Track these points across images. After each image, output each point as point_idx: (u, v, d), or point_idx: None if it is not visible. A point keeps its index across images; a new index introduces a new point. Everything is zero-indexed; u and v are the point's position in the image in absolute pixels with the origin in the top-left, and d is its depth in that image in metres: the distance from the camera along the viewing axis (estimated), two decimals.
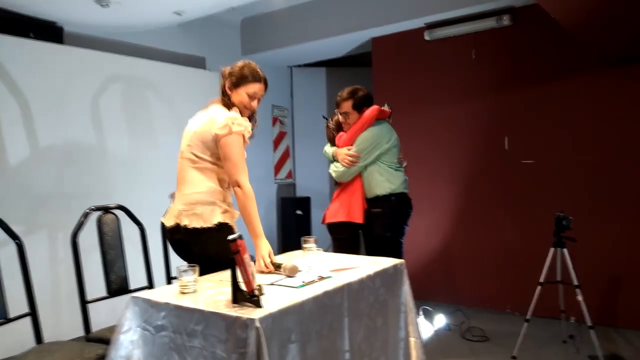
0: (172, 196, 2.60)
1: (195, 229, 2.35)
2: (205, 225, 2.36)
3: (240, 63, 2.58)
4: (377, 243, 3.30)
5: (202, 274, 2.10)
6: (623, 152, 4.03)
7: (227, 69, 2.58)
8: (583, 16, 3.07)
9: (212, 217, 2.38)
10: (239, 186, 2.38)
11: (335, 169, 3.38)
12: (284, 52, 5.76)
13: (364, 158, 3.27)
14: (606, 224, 4.07)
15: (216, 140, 2.40)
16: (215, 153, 2.45)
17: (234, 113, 2.48)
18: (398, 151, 3.39)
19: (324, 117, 3.79)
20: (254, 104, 2.58)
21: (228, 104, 2.53)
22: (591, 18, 3.07)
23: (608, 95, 4.08)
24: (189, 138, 2.53)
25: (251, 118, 2.61)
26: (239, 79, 2.54)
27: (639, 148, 3.96)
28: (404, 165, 3.47)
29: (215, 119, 2.43)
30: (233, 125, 2.39)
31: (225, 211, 2.43)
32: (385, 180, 3.28)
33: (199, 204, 2.39)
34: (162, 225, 2.62)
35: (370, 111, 3.30)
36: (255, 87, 2.54)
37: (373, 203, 3.31)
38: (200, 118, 2.56)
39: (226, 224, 2.41)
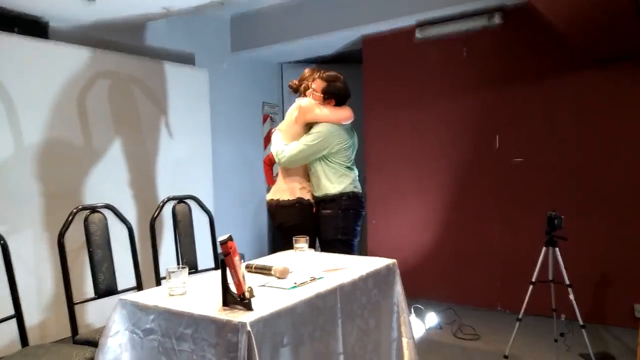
0: None
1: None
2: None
3: None
4: (329, 246, 3.15)
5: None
6: (614, 150, 4.04)
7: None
8: (574, 15, 3.06)
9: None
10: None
11: (284, 150, 3.16)
12: (274, 49, 5.71)
13: (313, 146, 3.13)
14: (597, 223, 4.08)
15: None
16: None
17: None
18: (352, 152, 3.30)
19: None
20: None
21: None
22: (582, 17, 3.07)
23: (599, 94, 4.09)
24: None
25: None
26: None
27: (629, 146, 3.98)
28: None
29: None
30: None
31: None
32: (334, 180, 3.16)
33: None
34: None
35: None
36: None
37: (323, 204, 3.20)
38: None
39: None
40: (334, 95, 3.21)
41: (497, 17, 4.38)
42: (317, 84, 3.22)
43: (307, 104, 3.22)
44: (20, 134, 3.74)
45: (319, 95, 3.21)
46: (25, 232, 3.75)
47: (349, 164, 3.24)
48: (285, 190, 3.26)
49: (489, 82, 4.57)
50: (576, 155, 4.18)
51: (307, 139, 3.13)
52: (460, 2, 4.37)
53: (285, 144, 3.21)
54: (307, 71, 3.43)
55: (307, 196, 3.24)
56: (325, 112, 3.19)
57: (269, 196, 3.34)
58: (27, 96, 3.78)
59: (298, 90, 3.46)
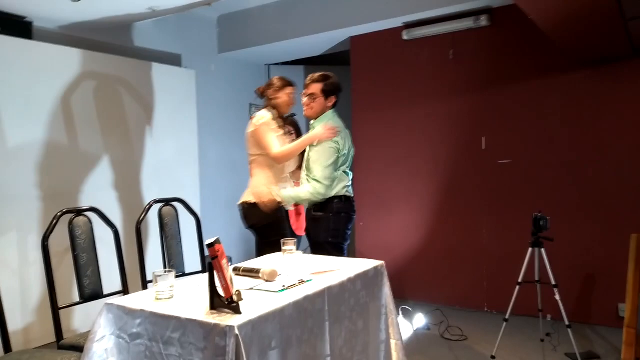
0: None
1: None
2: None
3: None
4: (319, 249, 3.11)
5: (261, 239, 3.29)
6: (599, 152, 4.09)
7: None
8: (559, 18, 3.09)
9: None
10: (274, 158, 3.23)
11: (315, 188, 3.05)
12: (261, 50, 5.70)
13: (334, 162, 3.08)
14: (582, 224, 4.13)
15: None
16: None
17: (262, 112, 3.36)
18: (351, 157, 3.27)
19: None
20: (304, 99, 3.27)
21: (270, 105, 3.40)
22: (567, 20, 3.10)
23: (584, 95, 4.13)
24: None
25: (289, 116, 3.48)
26: (283, 84, 3.39)
27: (614, 148, 4.03)
28: None
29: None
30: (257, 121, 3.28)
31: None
32: None
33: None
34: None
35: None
36: (289, 89, 3.40)
37: (314, 206, 3.15)
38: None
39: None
40: (332, 92, 3.18)
41: (484, 19, 4.41)
42: (315, 88, 3.15)
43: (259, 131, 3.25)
44: (3, 134, 3.69)
45: (321, 97, 3.15)
46: (10, 234, 3.69)
47: (346, 169, 3.21)
48: (255, 192, 3.27)
49: (476, 83, 4.60)
50: (562, 157, 4.23)
51: (327, 158, 3.06)
52: (446, 4, 4.40)
53: (293, 189, 3.19)
54: (276, 81, 3.41)
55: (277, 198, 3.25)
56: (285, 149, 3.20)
57: (241, 200, 3.36)
58: (11, 96, 3.73)
59: (264, 96, 3.46)
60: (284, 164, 3.33)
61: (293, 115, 3.61)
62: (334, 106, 3.25)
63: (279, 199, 3.14)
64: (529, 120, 4.36)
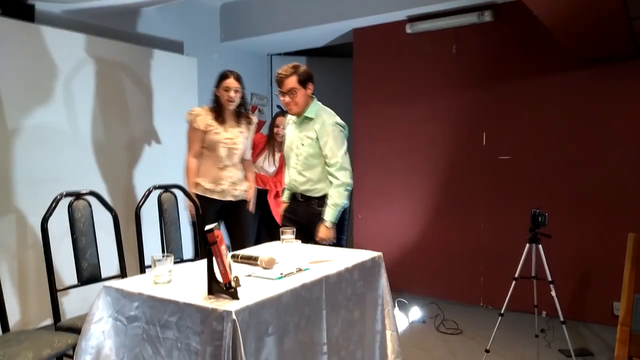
0: None
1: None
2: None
3: None
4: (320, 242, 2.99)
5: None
6: (599, 150, 4.09)
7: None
8: (564, 14, 3.08)
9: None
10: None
11: (342, 187, 3.01)
12: (263, 40, 5.68)
13: (346, 151, 3.05)
14: (579, 221, 4.14)
15: None
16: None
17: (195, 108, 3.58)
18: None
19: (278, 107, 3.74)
20: (232, 94, 3.42)
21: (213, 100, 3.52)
22: (571, 16, 3.09)
23: (586, 93, 4.13)
24: None
25: (242, 105, 3.55)
26: (217, 80, 3.47)
27: (614, 147, 4.03)
28: None
29: None
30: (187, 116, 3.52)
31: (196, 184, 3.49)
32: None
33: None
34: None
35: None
36: (226, 82, 3.42)
37: (320, 201, 3.05)
38: None
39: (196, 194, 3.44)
40: (308, 79, 3.05)
41: (488, 14, 4.40)
42: (291, 82, 2.97)
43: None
44: (4, 117, 3.68)
45: (301, 88, 3.00)
46: (9, 217, 3.70)
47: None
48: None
49: (478, 79, 4.59)
50: (562, 154, 4.23)
51: (342, 142, 3.01)
52: None
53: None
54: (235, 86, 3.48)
55: (193, 189, 3.46)
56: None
57: None
58: (12, 79, 3.72)
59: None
60: (219, 154, 3.45)
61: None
62: (313, 94, 3.09)
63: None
64: (530, 117, 4.36)
